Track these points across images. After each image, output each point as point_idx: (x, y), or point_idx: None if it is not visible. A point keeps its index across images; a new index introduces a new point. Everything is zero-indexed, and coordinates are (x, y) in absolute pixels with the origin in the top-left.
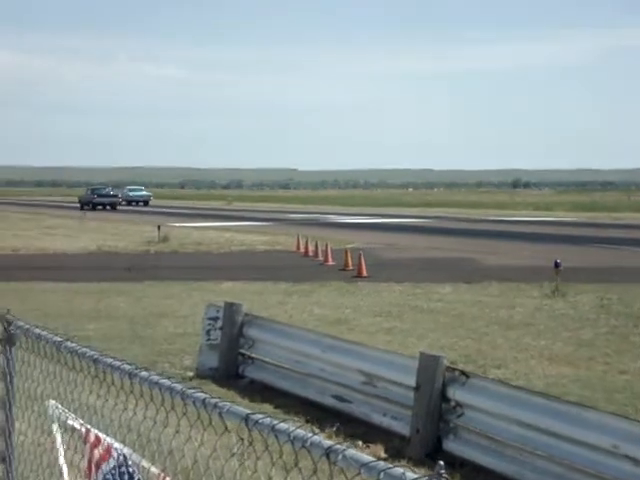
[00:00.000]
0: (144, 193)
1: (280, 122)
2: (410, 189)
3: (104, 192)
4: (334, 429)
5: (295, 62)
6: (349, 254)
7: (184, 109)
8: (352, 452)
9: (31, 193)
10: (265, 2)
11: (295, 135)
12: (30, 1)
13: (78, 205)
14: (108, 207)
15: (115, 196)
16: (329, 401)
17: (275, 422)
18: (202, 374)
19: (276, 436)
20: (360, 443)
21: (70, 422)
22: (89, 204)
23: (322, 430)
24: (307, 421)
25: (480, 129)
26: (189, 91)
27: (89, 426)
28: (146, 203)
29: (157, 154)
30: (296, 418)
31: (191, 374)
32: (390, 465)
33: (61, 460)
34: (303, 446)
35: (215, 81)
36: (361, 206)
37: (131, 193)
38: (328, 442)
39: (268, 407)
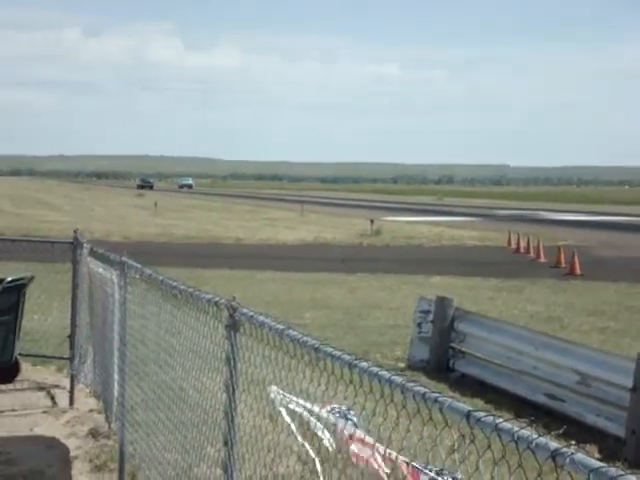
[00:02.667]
0: (190, 182)
1: (493, 118)
2: (626, 187)
3: (147, 180)
4: (561, 431)
5: (511, 60)
6: (562, 251)
7: (400, 106)
8: (581, 456)
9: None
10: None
11: (508, 131)
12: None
13: (135, 186)
14: (149, 188)
15: (151, 182)
16: (541, 399)
17: (498, 421)
18: (413, 366)
19: (499, 435)
20: (573, 443)
21: (292, 406)
22: (140, 187)
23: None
24: (532, 422)
25: None
26: (405, 89)
27: (310, 409)
28: (190, 187)
29: (372, 150)
30: (508, 414)
31: (402, 365)
32: (622, 472)
33: (286, 442)
34: (528, 447)
35: (431, 78)
36: (573, 203)
37: (182, 182)
38: (555, 444)
39: (479, 402)
